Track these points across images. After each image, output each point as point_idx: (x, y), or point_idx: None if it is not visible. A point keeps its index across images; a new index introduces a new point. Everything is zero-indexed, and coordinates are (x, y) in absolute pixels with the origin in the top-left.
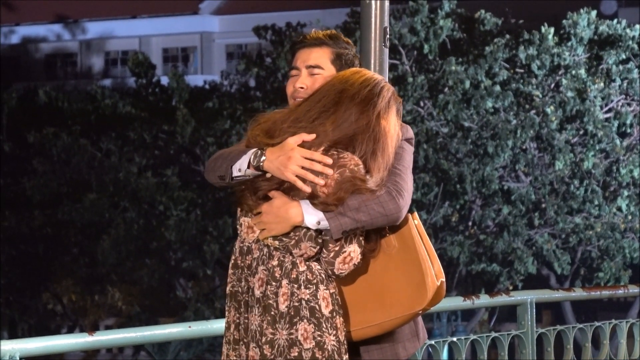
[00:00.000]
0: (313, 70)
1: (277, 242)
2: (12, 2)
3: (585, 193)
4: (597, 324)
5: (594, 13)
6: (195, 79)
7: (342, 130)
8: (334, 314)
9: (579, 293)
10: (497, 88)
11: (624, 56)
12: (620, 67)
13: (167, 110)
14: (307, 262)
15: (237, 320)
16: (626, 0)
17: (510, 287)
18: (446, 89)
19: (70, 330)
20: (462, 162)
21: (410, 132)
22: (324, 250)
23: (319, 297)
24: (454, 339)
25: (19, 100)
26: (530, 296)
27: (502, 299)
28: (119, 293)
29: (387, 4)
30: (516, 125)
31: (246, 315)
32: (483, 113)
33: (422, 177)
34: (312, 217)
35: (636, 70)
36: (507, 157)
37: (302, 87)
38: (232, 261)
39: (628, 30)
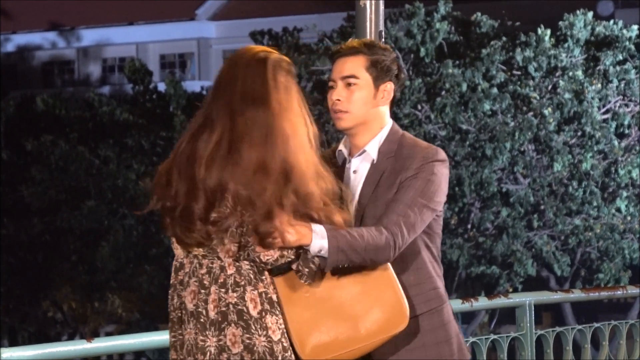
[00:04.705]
0: (348, 80)
1: (201, 250)
2: (9, 10)
3: (584, 194)
4: (596, 325)
5: (590, 14)
6: (193, 85)
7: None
8: (264, 314)
9: (577, 294)
10: (495, 90)
11: (620, 57)
12: (618, 68)
13: (164, 117)
14: (237, 263)
15: (173, 340)
16: (623, 1)
17: (510, 290)
18: (443, 92)
19: (71, 338)
20: (460, 165)
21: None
22: (249, 240)
23: (246, 299)
24: None
25: (16, 108)
26: (528, 298)
27: (500, 301)
28: (118, 300)
29: (382, 7)
30: (514, 128)
31: (180, 332)
32: (481, 116)
33: None
34: (317, 244)
35: (633, 71)
36: (505, 160)
37: (338, 100)
38: (171, 281)
39: (625, 31)
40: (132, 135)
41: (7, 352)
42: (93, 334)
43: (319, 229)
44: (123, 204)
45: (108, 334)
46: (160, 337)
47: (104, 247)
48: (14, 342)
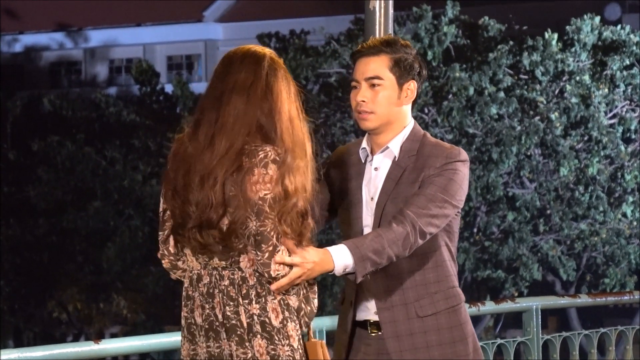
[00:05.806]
0: (372, 81)
1: (223, 262)
2: (16, 10)
3: (590, 199)
4: (602, 330)
5: (597, 19)
6: (200, 87)
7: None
8: (285, 322)
9: (584, 299)
10: (501, 94)
11: (628, 62)
12: (625, 72)
13: (171, 118)
14: (257, 273)
15: (193, 352)
16: (630, 6)
17: (516, 294)
18: (450, 96)
19: (76, 339)
20: None
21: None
22: (258, 252)
23: (268, 310)
24: None
25: (23, 109)
26: (535, 302)
27: (507, 306)
28: (124, 301)
29: (391, 10)
30: (520, 132)
31: (207, 344)
32: (487, 119)
33: None
34: (341, 265)
35: None
36: (511, 164)
37: (363, 101)
38: (184, 292)
39: (632, 36)
40: (139, 136)
41: (14, 353)
42: (98, 335)
43: (336, 249)
44: (129, 205)
45: (113, 335)
46: (167, 339)
47: (109, 247)
48: (18, 343)
